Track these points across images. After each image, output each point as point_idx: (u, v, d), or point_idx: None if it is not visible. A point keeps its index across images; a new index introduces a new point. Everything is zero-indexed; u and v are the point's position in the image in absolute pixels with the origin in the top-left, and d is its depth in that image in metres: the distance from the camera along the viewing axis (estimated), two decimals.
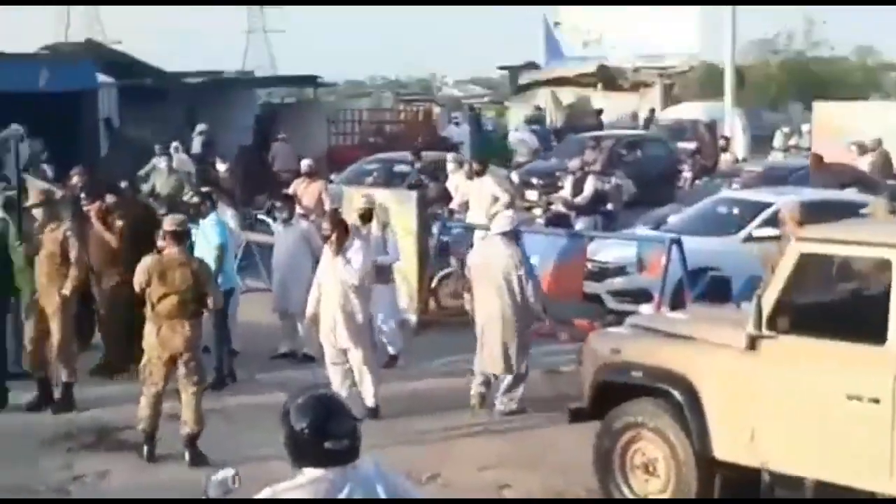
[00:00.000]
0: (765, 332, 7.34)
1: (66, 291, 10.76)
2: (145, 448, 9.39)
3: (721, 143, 23.79)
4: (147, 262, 9.48)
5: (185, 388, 9.38)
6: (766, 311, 7.34)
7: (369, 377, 10.48)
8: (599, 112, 32.02)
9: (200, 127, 25.94)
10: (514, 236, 10.87)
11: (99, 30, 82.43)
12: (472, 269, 10.96)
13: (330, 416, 3.92)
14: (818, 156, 18.51)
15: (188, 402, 9.35)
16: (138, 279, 9.42)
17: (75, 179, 14.52)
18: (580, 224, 16.89)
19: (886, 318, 6.95)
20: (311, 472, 3.87)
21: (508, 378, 10.66)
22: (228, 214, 12.90)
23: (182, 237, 9.63)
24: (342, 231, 10.40)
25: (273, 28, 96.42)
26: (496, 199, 15.83)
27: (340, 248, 10.31)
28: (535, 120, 32.35)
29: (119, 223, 12.02)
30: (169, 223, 9.72)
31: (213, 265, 10.92)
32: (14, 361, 11.50)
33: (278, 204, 13.23)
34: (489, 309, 10.60)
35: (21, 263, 11.17)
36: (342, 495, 3.82)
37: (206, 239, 11.73)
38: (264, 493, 3.87)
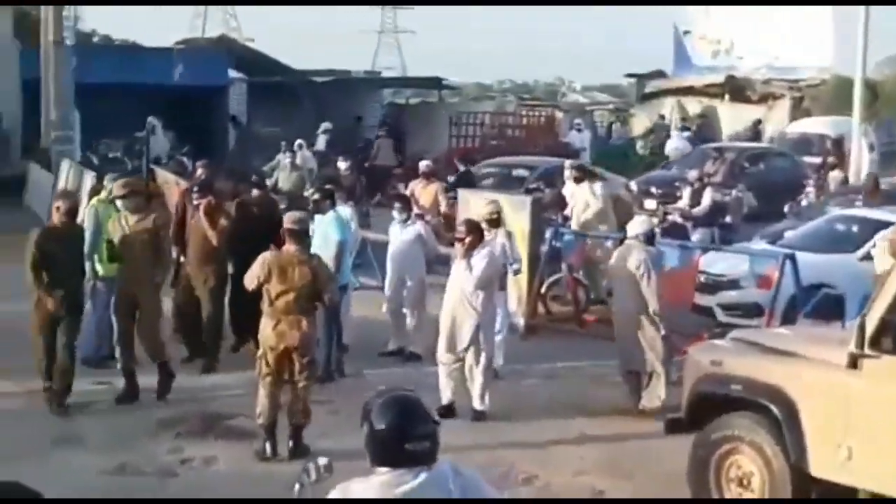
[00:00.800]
0: (867, 351, 7.27)
1: (159, 280, 11.05)
2: (267, 444, 9.46)
3: (830, 160, 23.15)
4: (266, 257, 9.59)
5: (296, 382, 9.56)
6: (870, 330, 7.27)
7: (481, 380, 10.56)
8: (758, 122, 31.60)
9: (325, 125, 26.44)
10: (645, 240, 11.00)
11: (235, 27, 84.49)
12: (609, 272, 11.46)
13: (411, 418, 3.95)
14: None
15: (297, 394, 9.52)
16: (256, 273, 9.53)
17: (199, 172, 14.93)
18: (697, 235, 16.80)
19: None
20: (385, 471, 3.91)
21: (648, 377, 10.89)
22: (348, 212, 13.13)
23: (301, 235, 9.68)
24: (477, 237, 10.60)
25: (404, 28, 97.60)
26: (587, 206, 15.93)
27: (468, 253, 10.47)
28: (686, 127, 32.20)
29: (223, 222, 12.17)
30: (288, 221, 9.80)
31: (332, 261, 11.16)
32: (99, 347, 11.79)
33: (397, 204, 13.39)
34: (619, 310, 11.12)
35: (104, 253, 11.25)
36: (407, 487, 3.86)
37: (325, 235, 11.96)
38: (336, 491, 3.93)
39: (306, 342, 9.52)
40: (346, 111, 30.13)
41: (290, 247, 9.62)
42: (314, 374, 9.83)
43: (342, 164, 21.18)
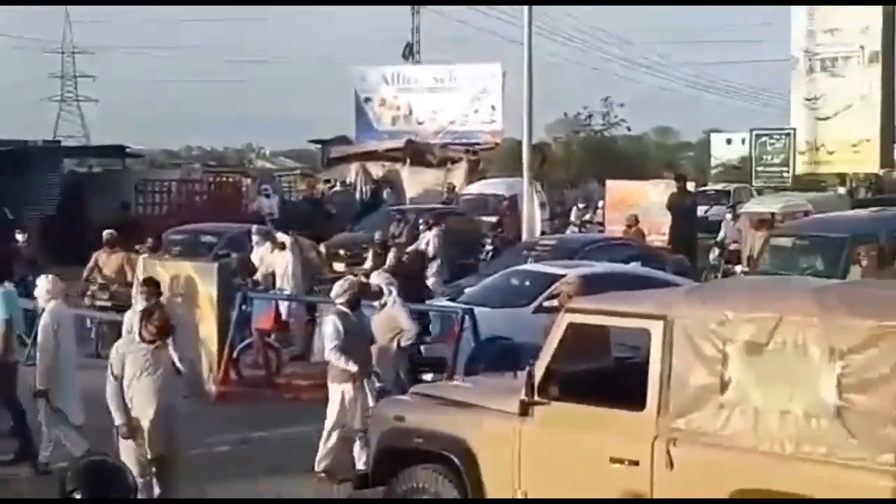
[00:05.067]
0: (536, 398, 7.78)
1: None
2: None
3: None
4: None
5: None
6: (537, 378, 7.79)
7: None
8: (452, 188, 32.82)
9: None
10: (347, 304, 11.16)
11: None
12: None
13: (100, 482, 4.13)
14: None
15: None
16: None
17: None
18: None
19: (645, 385, 7.45)
20: None
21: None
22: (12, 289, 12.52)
23: None
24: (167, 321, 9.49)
25: (86, 97, 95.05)
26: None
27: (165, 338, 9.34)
28: (265, 189, 32.62)
29: None
30: None
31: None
32: None
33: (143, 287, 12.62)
34: None
35: None
36: None
37: None
38: None
39: None
40: (25, 181, 29.17)
41: None
42: None
43: (20, 237, 20.56)
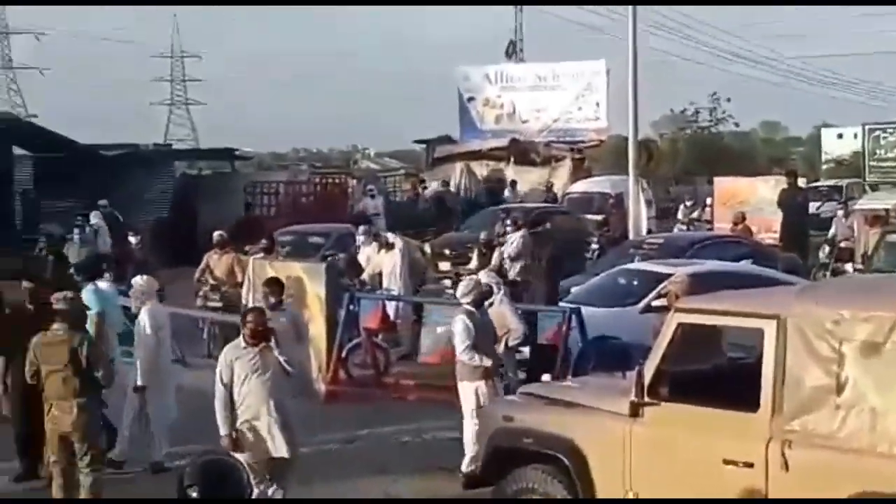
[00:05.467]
0: (646, 399, 7.71)
1: None
2: None
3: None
4: (32, 341, 9.45)
5: (80, 470, 9.33)
6: (647, 379, 7.72)
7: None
8: (550, 186, 32.87)
9: (102, 202, 25.82)
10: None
11: (20, 104, 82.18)
12: None
13: (215, 480, 4.23)
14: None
15: (83, 483, 9.30)
16: (28, 359, 9.41)
17: None
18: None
19: (759, 386, 7.32)
20: None
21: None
22: (108, 286, 12.71)
23: (64, 314, 9.43)
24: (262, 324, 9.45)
25: (195, 101, 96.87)
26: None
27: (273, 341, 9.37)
28: (371, 190, 32.76)
29: None
30: (53, 299, 9.65)
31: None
32: None
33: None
34: None
35: None
36: None
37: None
38: None
39: (79, 426, 9.26)
40: (138, 184, 29.85)
41: (54, 326, 9.46)
42: (97, 461, 9.47)
43: (132, 239, 21.04)
